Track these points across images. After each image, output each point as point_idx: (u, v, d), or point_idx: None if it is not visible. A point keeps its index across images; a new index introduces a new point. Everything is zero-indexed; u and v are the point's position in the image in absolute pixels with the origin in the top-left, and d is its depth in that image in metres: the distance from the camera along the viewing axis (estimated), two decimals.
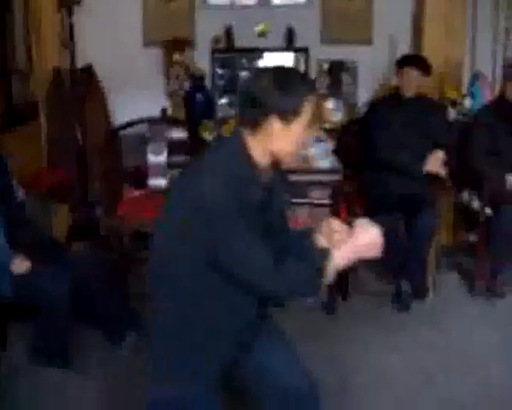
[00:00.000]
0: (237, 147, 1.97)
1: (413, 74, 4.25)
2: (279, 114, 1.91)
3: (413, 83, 4.27)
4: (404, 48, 5.06)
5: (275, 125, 1.92)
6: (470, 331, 3.86)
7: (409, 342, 3.73)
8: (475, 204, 4.38)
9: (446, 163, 4.19)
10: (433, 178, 4.19)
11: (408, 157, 4.16)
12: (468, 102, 4.87)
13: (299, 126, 1.95)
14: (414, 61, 4.33)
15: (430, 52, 4.85)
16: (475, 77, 4.97)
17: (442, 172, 4.16)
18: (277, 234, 2.07)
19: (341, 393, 3.18)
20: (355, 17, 5.27)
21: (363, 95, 5.16)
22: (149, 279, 2.06)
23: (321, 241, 2.10)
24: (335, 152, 4.26)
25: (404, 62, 4.32)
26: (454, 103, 4.85)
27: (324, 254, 1.97)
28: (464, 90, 5.00)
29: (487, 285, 4.30)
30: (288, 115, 1.92)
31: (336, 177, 4.00)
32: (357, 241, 2.00)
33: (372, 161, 4.31)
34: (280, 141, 1.94)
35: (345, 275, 4.11)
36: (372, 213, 3.87)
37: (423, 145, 4.22)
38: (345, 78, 5.29)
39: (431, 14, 5.00)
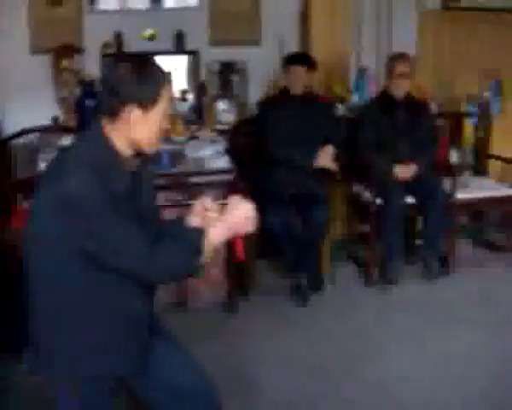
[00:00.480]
0: (99, 138, 1.96)
1: (299, 72, 4.36)
2: (138, 103, 1.92)
3: (300, 80, 4.36)
4: (292, 46, 5.15)
5: (134, 113, 1.92)
6: (367, 319, 4.00)
7: (309, 333, 3.82)
8: (366, 196, 4.52)
9: (337, 157, 4.31)
10: (325, 172, 4.31)
11: (299, 153, 4.25)
12: (354, 97, 5.03)
13: (157, 114, 1.97)
14: (299, 58, 4.44)
15: (317, 49, 4.99)
16: (361, 72, 5.13)
17: (333, 166, 4.28)
18: (149, 222, 2.06)
19: (244, 390, 3.22)
20: (243, 18, 5.33)
21: (254, 95, 5.22)
22: (28, 276, 2.00)
23: (194, 221, 2.13)
24: (228, 152, 4.30)
25: (290, 61, 4.41)
26: (341, 99, 4.99)
27: (198, 233, 1.98)
28: (351, 86, 5.15)
29: (381, 273, 4.47)
30: (146, 104, 1.93)
31: (229, 177, 4.04)
32: (230, 217, 2.03)
33: (264, 158, 4.38)
34: (139, 129, 1.95)
35: (243, 273, 4.17)
36: (266, 210, 3.98)
37: (313, 141, 4.32)
38: (235, 79, 5.34)
39: (317, 12, 5.11)
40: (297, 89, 4.39)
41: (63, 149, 2.20)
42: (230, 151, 4.34)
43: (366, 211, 4.49)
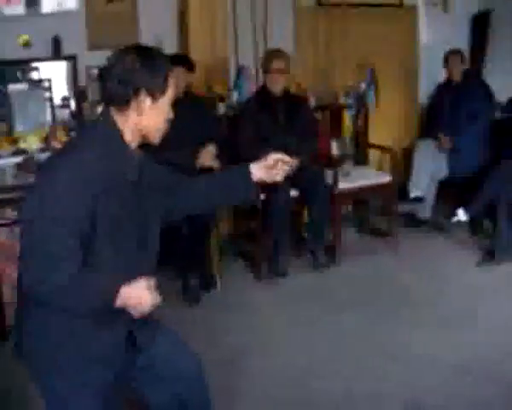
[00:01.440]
0: (109, 128, 1.99)
1: (179, 73, 4.33)
2: (148, 92, 1.97)
3: (180, 81, 4.35)
4: (171, 48, 5.12)
5: (144, 102, 1.97)
6: (258, 312, 4.05)
7: (203, 332, 3.79)
8: None
9: (219, 156, 4.33)
10: (208, 171, 4.31)
11: (180, 155, 4.23)
12: (234, 96, 5.07)
13: (165, 103, 2.04)
14: (179, 59, 4.41)
15: (196, 50, 4.97)
16: (240, 70, 5.16)
17: (215, 164, 4.29)
18: (148, 214, 2.10)
19: None
20: (121, 20, 5.24)
21: None
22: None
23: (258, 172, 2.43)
24: None
25: (170, 62, 4.38)
26: (222, 98, 5.02)
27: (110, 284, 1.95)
28: (231, 85, 5.19)
29: (269, 267, 4.53)
30: (156, 93, 1.99)
31: None
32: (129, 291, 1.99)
33: None
34: (149, 118, 2.00)
35: None
36: None
37: (194, 141, 4.31)
38: None
39: (195, 12, 5.09)
40: (178, 90, 4.36)
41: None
42: None
43: (252, 207, 4.51)
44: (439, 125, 5.33)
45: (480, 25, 6.31)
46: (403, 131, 6.07)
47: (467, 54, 5.96)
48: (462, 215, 4.82)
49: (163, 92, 2.01)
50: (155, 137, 2.09)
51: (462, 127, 5.24)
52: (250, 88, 5.06)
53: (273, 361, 3.46)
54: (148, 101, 1.97)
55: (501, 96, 5.56)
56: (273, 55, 4.57)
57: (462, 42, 6.17)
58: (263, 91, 4.66)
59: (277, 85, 4.54)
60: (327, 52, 5.61)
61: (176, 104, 4.17)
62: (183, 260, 4.26)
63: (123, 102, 1.97)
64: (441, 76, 5.69)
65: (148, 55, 2.00)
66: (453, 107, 5.39)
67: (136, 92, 1.95)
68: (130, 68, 1.95)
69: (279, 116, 4.56)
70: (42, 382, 2.06)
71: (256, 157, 4.30)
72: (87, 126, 2.20)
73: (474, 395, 3.07)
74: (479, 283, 4.38)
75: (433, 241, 5.17)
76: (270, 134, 4.52)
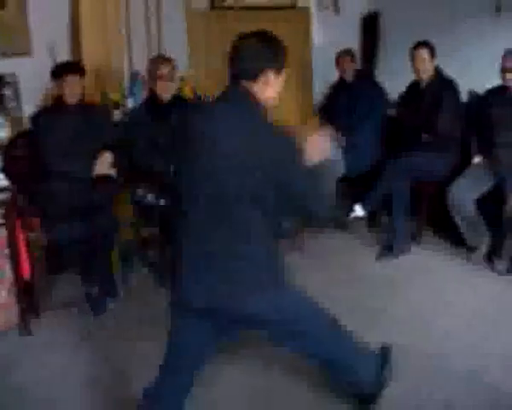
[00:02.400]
0: (249, 96, 2.42)
1: (74, 81, 4.24)
2: (275, 69, 2.45)
3: (75, 89, 4.26)
4: (63, 55, 5.02)
5: (271, 77, 2.43)
6: (161, 319, 3.98)
7: (108, 341, 3.78)
8: (149, 198, 4.51)
9: (115, 163, 4.28)
10: (105, 180, 4.26)
11: (77, 164, 4.15)
12: (129, 102, 5.02)
13: (282, 78, 2.50)
14: (72, 67, 4.33)
15: (89, 57, 4.91)
16: (133, 76, 5.13)
17: (111, 172, 4.24)
18: None
19: None
20: (10, 28, 5.09)
21: (29, 107, 5.02)
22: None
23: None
24: (3, 169, 4.11)
25: (62, 70, 4.27)
26: (117, 104, 4.97)
27: None
28: (126, 91, 5.14)
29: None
30: (279, 69, 2.47)
31: (5, 195, 3.86)
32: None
33: (42, 172, 4.24)
34: (272, 89, 2.46)
35: (33, 292, 4.02)
36: (50, 225, 3.93)
37: (91, 149, 4.25)
38: (7, 92, 5.09)
39: (87, 19, 5.00)
40: (72, 98, 4.28)
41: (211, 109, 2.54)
42: (6, 167, 4.15)
43: (152, 213, 4.50)
44: (333, 124, 5.46)
45: (370, 26, 6.52)
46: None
47: (358, 54, 6.14)
48: (359, 211, 4.95)
49: (283, 69, 2.49)
50: (271, 104, 2.49)
51: (357, 126, 5.38)
52: (144, 94, 5.02)
53: None
54: (273, 76, 2.44)
55: (392, 94, 5.75)
56: (158, 61, 4.54)
57: (353, 43, 6.36)
58: (152, 98, 4.59)
59: (166, 92, 4.50)
60: (221, 55, 5.63)
61: (71, 112, 4.20)
62: (85, 269, 4.19)
63: (253, 76, 2.42)
64: (335, 76, 5.84)
65: (270, 40, 2.49)
66: (347, 106, 5.54)
67: (266, 69, 2.42)
68: (259, 51, 2.43)
69: (170, 122, 4.53)
70: None
71: (151, 166, 4.36)
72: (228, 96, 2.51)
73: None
74: (378, 275, 4.53)
75: (334, 238, 5.29)
76: (162, 142, 4.47)
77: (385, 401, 3.00)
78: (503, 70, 4.54)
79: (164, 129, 4.48)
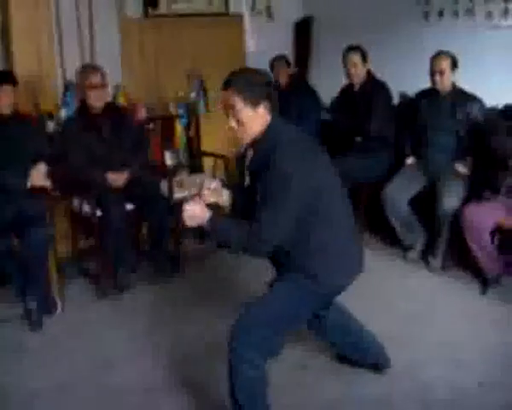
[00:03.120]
0: None
1: (7, 91, 4.14)
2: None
3: (8, 99, 4.16)
4: None
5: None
6: (100, 332, 3.98)
7: (46, 357, 3.71)
8: (86, 209, 4.47)
9: (50, 174, 4.20)
10: (40, 191, 4.18)
11: (10, 175, 4.06)
12: (64, 112, 4.94)
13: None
14: (5, 77, 4.23)
15: (20, 66, 4.83)
16: (67, 86, 5.05)
17: (46, 183, 4.16)
18: None
19: None
20: None
21: None
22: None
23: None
24: None
25: None
26: (51, 114, 4.90)
27: None
28: (59, 100, 5.06)
29: (112, 283, 4.49)
30: None
31: None
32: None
33: None
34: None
35: None
36: None
37: (24, 160, 4.15)
38: None
39: (17, 27, 4.92)
40: (6, 109, 4.18)
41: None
42: None
43: (89, 224, 4.46)
44: None
45: (303, 31, 6.60)
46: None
47: (292, 59, 6.21)
48: None
49: None
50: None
51: None
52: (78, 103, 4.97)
53: (113, 381, 3.43)
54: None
55: (326, 98, 5.84)
56: (88, 70, 4.51)
57: (287, 48, 6.43)
58: (83, 108, 4.54)
59: (97, 101, 4.46)
60: (156, 63, 5.63)
61: (4, 123, 4.10)
62: (21, 283, 4.09)
63: None
64: None
65: None
66: (282, 110, 5.56)
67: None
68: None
69: (103, 132, 4.50)
70: None
71: (86, 177, 4.31)
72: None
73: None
74: None
75: None
76: (97, 151, 4.46)
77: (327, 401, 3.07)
78: (432, 72, 4.66)
79: (96, 139, 4.46)
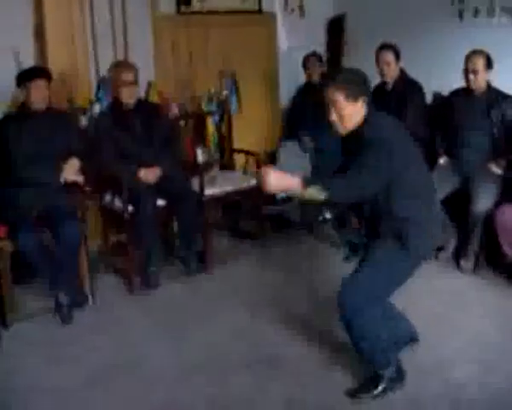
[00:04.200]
0: None
1: (41, 86, 4.17)
2: None
3: (42, 94, 4.19)
4: (28, 60, 4.96)
5: None
6: (132, 327, 4.01)
7: (76, 350, 3.73)
8: (117, 204, 4.50)
9: (83, 169, 4.24)
10: (72, 186, 4.22)
11: (43, 169, 4.10)
12: (97, 108, 4.98)
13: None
14: (39, 72, 4.26)
15: (55, 62, 4.87)
16: (100, 82, 5.09)
17: (79, 178, 4.20)
18: None
19: None
20: None
21: None
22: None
23: None
24: None
25: (30, 75, 4.18)
26: (84, 110, 4.94)
27: None
28: (92, 96, 5.10)
29: (142, 279, 4.50)
30: None
31: None
32: None
33: (9, 178, 4.18)
34: None
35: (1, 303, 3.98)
36: (16, 232, 3.87)
37: (57, 155, 4.19)
38: None
39: (52, 23, 4.96)
40: (40, 104, 4.22)
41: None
42: None
43: (120, 220, 4.47)
44: (301, 126, 5.49)
45: (335, 29, 6.57)
46: (266, 134, 6.23)
47: (324, 56, 6.18)
48: (327, 214, 4.98)
49: None
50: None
51: (324, 127, 5.39)
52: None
53: (142, 376, 3.46)
54: None
55: None
56: (121, 67, 4.55)
57: (319, 46, 6.39)
58: (116, 105, 4.59)
59: (130, 98, 4.50)
60: (189, 60, 5.64)
61: (37, 118, 4.14)
62: (53, 277, 4.12)
63: None
64: (301, 79, 5.88)
65: None
66: (315, 107, 5.56)
67: None
68: None
69: (135, 128, 4.52)
70: None
71: (118, 173, 4.34)
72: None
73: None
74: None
75: (302, 240, 5.32)
76: (128, 147, 4.49)
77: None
78: (466, 71, 4.60)
79: (128, 136, 4.48)
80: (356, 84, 2.97)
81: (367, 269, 3.09)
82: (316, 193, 2.87)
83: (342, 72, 3.19)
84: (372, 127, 2.96)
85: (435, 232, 3.18)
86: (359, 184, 2.90)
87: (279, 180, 2.90)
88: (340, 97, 2.94)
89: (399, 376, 3.20)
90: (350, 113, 2.97)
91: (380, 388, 3.14)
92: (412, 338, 3.48)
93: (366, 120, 3.00)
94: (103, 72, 5.12)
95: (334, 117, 3.01)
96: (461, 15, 5.40)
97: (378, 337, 3.07)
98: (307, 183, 2.89)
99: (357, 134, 3.00)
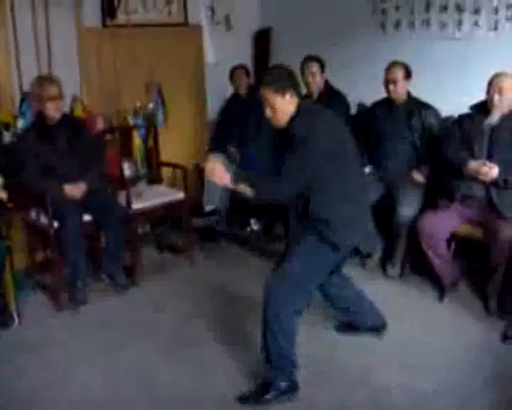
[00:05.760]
0: None
1: None
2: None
3: None
4: None
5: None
6: (58, 345, 3.94)
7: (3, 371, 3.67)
8: (43, 220, 4.42)
9: (7, 186, 4.14)
10: None
11: None
12: (20, 123, 4.88)
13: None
14: None
15: None
16: (24, 96, 4.99)
17: (2, 195, 4.09)
18: None
19: None
20: None
21: None
22: None
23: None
24: None
25: None
26: (7, 125, 4.83)
27: None
28: (16, 112, 5.00)
29: (69, 296, 4.44)
30: None
31: None
32: None
33: None
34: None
35: None
36: None
37: None
38: None
39: None
40: None
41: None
42: None
43: (46, 236, 4.41)
44: (227, 138, 5.52)
45: (261, 42, 6.63)
46: (193, 147, 6.23)
47: (251, 69, 6.23)
48: (254, 224, 5.02)
49: None
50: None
51: (251, 138, 5.45)
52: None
53: (69, 395, 3.41)
54: None
55: None
56: (44, 82, 4.48)
57: (246, 58, 6.45)
58: (40, 119, 4.51)
59: (55, 112, 4.44)
60: (114, 73, 5.58)
61: None
62: None
63: None
64: (228, 92, 5.91)
65: None
66: (242, 119, 5.61)
67: None
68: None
69: (60, 143, 4.46)
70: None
71: (42, 189, 4.26)
72: None
73: None
74: None
75: (230, 251, 5.34)
76: (53, 163, 4.42)
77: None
78: (387, 82, 4.72)
79: (52, 151, 4.41)
80: (282, 79, 3.21)
81: (289, 263, 3.28)
82: (246, 189, 3.23)
83: (268, 71, 3.57)
84: (301, 124, 3.16)
85: (362, 224, 3.42)
86: (280, 188, 3.22)
87: (220, 172, 3.28)
88: (269, 94, 3.18)
89: (291, 388, 3.29)
90: (280, 106, 3.19)
91: (269, 396, 3.26)
92: (381, 326, 3.82)
93: (298, 113, 3.21)
94: (27, 86, 5.03)
95: (268, 113, 3.24)
96: (383, 27, 5.54)
97: (291, 336, 3.24)
98: (237, 179, 3.26)
99: (290, 128, 3.21)
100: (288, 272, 3.23)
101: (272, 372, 3.25)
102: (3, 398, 3.41)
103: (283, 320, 3.18)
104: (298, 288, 3.22)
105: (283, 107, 3.20)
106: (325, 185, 3.18)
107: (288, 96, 3.18)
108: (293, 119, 3.22)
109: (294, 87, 3.24)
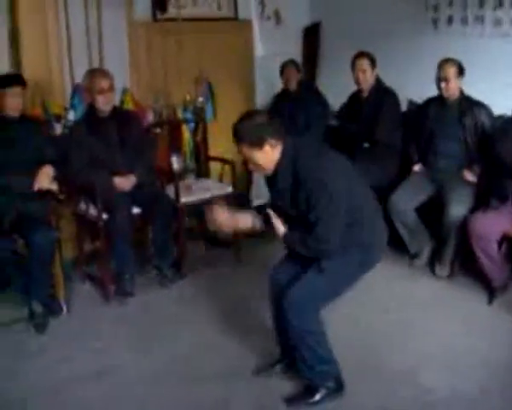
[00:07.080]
0: None
1: (16, 93, 4.12)
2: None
3: (17, 101, 4.14)
4: (3, 66, 4.91)
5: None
6: (106, 336, 3.98)
7: (50, 360, 3.70)
8: (92, 212, 4.47)
9: (56, 177, 4.19)
10: (46, 193, 4.17)
11: (15, 177, 4.04)
12: (71, 115, 4.94)
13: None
14: (14, 79, 4.21)
15: (29, 68, 4.81)
16: (75, 89, 5.06)
17: (53, 186, 4.15)
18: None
19: None
20: None
21: None
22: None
23: None
24: None
25: (4, 83, 4.13)
26: (58, 117, 4.90)
27: None
28: (67, 103, 5.06)
29: (116, 288, 4.47)
30: None
31: None
32: None
33: None
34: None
35: None
36: None
37: (31, 163, 4.15)
38: None
39: (27, 29, 4.90)
40: (14, 110, 4.17)
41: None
42: None
43: (95, 228, 4.44)
44: None
45: (311, 36, 6.59)
46: None
47: (300, 64, 6.20)
48: None
49: None
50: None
51: (300, 135, 5.42)
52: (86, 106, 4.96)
53: (113, 385, 3.45)
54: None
55: (333, 104, 5.82)
56: (96, 74, 4.51)
57: (295, 53, 6.41)
58: (91, 112, 4.55)
59: (105, 105, 4.46)
60: (164, 67, 5.62)
61: (11, 125, 4.10)
62: (27, 286, 4.08)
63: None
64: (277, 86, 5.90)
65: None
66: (290, 115, 5.59)
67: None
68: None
69: (110, 136, 4.49)
70: None
71: (92, 181, 4.31)
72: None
73: None
74: None
75: (279, 247, 5.29)
76: (103, 155, 4.45)
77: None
78: (438, 79, 4.64)
79: (103, 143, 4.45)
80: (256, 131, 2.92)
81: (311, 274, 3.10)
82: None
83: (239, 125, 2.97)
84: (311, 166, 2.92)
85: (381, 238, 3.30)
86: (325, 246, 2.97)
87: (229, 221, 3.16)
88: (245, 149, 2.95)
89: (338, 387, 3.23)
90: (261, 159, 2.96)
91: (318, 397, 3.19)
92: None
93: (284, 155, 2.97)
94: (78, 79, 5.09)
95: (251, 166, 3.06)
96: (435, 23, 5.45)
97: (325, 340, 3.16)
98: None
99: (280, 170, 3.00)
100: (311, 285, 3.09)
101: (318, 379, 3.19)
102: (50, 382, 3.46)
103: (316, 331, 3.10)
104: (325, 303, 3.15)
105: (264, 158, 2.96)
106: (350, 217, 2.99)
107: (267, 147, 2.93)
108: (283, 162, 2.98)
109: (273, 134, 2.93)
